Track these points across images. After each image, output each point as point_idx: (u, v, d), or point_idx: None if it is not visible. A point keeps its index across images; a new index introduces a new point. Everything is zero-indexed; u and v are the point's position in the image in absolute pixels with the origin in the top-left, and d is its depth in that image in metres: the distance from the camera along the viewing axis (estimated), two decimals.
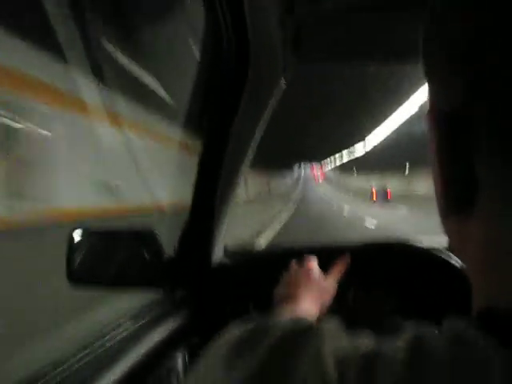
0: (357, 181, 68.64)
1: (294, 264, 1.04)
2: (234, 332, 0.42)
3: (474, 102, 0.34)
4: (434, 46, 0.38)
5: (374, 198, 32.17)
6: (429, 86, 0.39)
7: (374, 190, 33.18)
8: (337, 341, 0.37)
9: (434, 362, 0.31)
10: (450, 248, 1.10)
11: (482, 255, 0.36)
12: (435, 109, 0.38)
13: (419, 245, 1.17)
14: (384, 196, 31.66)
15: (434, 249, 1.13)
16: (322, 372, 0.33)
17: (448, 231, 0.41)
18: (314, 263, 1.02)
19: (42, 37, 2.92)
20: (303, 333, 0.38)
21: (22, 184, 2.89)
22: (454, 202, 0.37)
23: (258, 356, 0.36)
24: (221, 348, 0.41)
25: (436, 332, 0.34)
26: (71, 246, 1.03)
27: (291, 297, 0.92)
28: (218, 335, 0.43)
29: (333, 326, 0.41)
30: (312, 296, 0.94)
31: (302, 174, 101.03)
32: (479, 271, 0.37)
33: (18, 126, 2.93)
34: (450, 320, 0.34)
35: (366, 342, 0.36)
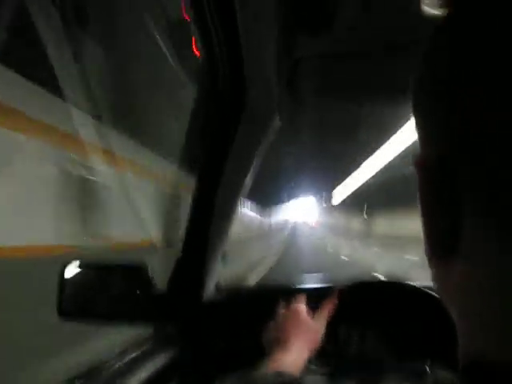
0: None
1: (282, 307, 1.04)
2: None
3: (458, 151, 0.34)
4: (421, 90, 0.39)
5: None
6: (417, 132, 0.40)
7: None
8: None
9: None
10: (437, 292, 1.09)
11: (464, 303, 0.36)
12: (423, 155, 0.38)
13: (410, 283, 1.17)
14: None
15: (425, 287, 1.13)
16: None
17: (434, 274, 0.40)
18: (302, 304, 1.02)
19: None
20: None
21: None
22: (439, 247, 0.37)
23: None
24: None
25: None
26: (62, 279, 1.03)
27: (281, 342, 0.92)
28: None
29: (315, 381, 0.41)
30: (301, 339, 0.93)
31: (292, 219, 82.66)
32: (462, 319, 0.37)
33: None
34: (435, 372, 0.34)
35: None
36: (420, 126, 0.39)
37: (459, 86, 0.34)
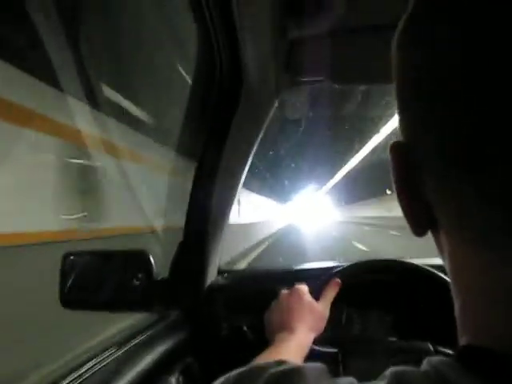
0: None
1: (284, 292, 1.04)
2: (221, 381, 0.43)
3: (422, 135, 0.36)
4: (398, 75, 0.39)
5: None
6: (398, 120, 0.41)
7: None
8: None
9: None
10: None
11: (455, 280, 0.37)
12: (395, 143, 0.40)
13: (409, 261, 1.17)
14: None
15: (427, 266, 1.13)
16: None
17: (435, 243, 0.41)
18: (304, 290, 1.02)
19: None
20: (286, 382, 0.39)
21: None
22: (419, 224, 0.39)
23: None
24: None
25: (417, 370, 0.34)
26: (64, 268, 1.03)
27: (286, 326, 0.92)
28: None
29: (315, 369, 0.42)
30: (306, 324, 0.94)
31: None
32: (456, 294, 0.37)
33: None
34: (432, 356, 0.35)
35: (348, 382, 0.37)
36: (399, 114, 0.40)
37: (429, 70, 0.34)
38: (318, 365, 0.43)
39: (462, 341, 0.34)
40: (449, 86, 0.32)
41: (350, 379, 0.38)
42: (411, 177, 0.37)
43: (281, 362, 0.44)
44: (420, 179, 0.36)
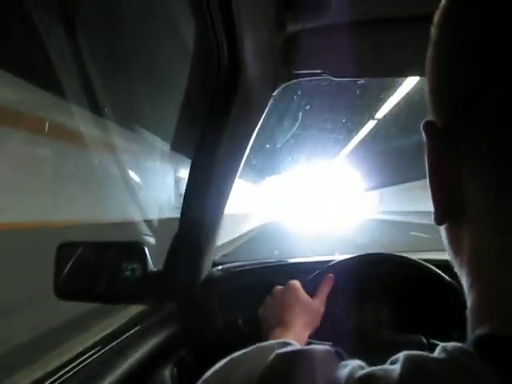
0: None
1: (278, 288, 1.04)
2: (222, 364, 0.42)
3: (461, 119, 0.35)
4: (433, 57, 0.39)
5: None
6: (429, 98, 0.40)
7: None
8: (329, 368, 0.36)
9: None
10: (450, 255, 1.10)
11: (475, 270, 0.36)
12: (430, 123, 0.38)
13: (406, 256, 1.17)
14: None
15: (422, 260, 1.13)
16: None
17: (445, 237, 0.41)
18: (298, 286, 1.02)
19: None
20: (294, 362, 0.37)
21: None
22: (446, 211, 0.38)
23: None
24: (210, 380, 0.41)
25: (432, 356, 0.33)
26: (59, 259, 1.02)
27: (282, 322, 0.92)
28: (205, 372, 0.43)
29: (323, 351, 0.40)
30: (302, 321, 0.94)
31: None
32: (473, 288, 0.36)
33: None
34: (431, 343, 0.34)
35: (358, 366, 0.36)
36: (433, 91, 0.39)
37: (469, 52, 0.34)
38: (324, 347, 0.41)
39: (480, 330, 0.33)
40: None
41: (359, 362, 0.37)
42: (447, 158, 0.36)
43: (286, 343, 0.43)
44: (457, 162, 0.35)
